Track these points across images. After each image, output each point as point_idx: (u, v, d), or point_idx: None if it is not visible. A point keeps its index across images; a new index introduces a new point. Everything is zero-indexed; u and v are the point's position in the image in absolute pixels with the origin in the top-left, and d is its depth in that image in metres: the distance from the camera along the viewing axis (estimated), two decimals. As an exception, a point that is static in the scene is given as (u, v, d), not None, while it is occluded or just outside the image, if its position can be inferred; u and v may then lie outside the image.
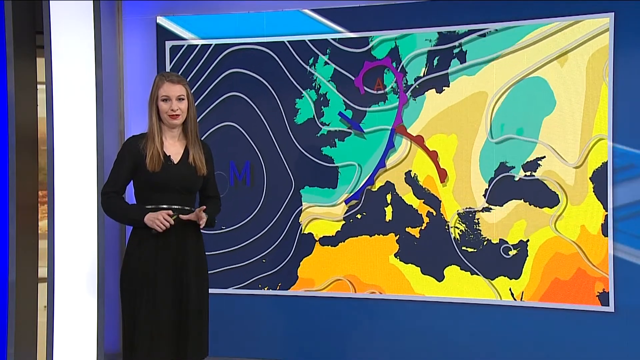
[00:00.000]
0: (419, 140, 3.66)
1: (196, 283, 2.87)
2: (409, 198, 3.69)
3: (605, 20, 3.34)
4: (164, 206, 2.83)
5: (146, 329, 2.77)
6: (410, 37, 3.67)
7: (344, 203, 3.77)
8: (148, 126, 2.89)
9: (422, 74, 3.66)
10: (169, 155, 2.86)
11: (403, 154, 3.69)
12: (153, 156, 2.81)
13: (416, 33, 3.66)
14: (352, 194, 3.76)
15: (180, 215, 2.82)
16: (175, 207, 2.84)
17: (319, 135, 3.81)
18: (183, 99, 2.86)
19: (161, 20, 3.96)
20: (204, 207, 2.85)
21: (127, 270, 2.86)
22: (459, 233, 3.62)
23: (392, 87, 3.70)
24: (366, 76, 3.72)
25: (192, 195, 2.92)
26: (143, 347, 2.77)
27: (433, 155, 3.63)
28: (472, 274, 3.60)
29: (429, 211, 3.67)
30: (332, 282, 3.80)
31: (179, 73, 3.91)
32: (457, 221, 3.62)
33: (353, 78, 3.75)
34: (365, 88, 3.72)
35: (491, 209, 3.57)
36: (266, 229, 3.87)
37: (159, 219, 2.77)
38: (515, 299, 3.53)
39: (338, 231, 3.79)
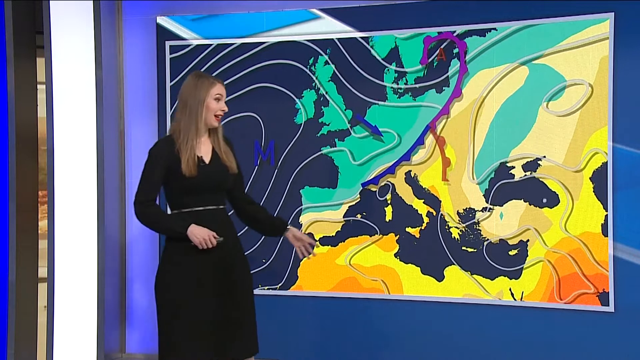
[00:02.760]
0: (440, 143, 3.64)
1: (242, 282, 2.87)
2: (409, 198, 3.69)
3: (607, 23, 3.34)
4: (199, 208, 2.80)
5: (188, 329, 2.76)
6: (410, 37, 3.67)
7: (360, 186, 3.74)
8: (186, 128, 2.78)
9: (422, 74, 3.67)
10: (201, 156, 2.82)
11: (426, 155, 3.67)
12: (189, 159, 2.75)
13: (416, 33, 3.66)
14: (371, 178, 3.74)
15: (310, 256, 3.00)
16: (210, 207, 2.81)
17: (319, 135, 3.82)
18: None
19: (161, 20, 3.96)
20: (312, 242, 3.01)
21: (171, 274, 2.82)
22: (459, 233, 3.62)
23: (392, 86, 3.70)
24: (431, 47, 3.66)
25: (223, 193, 2.89)
26: (184, 348, 2.75)
27: (446, 162, 3.62)
28: (472, 274, 3.60)
29: (429, 211, 3.67)
30: (332, 282, 3.80)
31: (180, 73, 3.92)
32: (457, 221, 3.62)
33: (354, 75, 3.75)
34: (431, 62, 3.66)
35: (491, 209, 3.57)
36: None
37: (205, 239, 2.74)
38: (515, 299, 3.53)
39: (338, 231, 3.79)
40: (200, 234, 2.75)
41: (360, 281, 3.76)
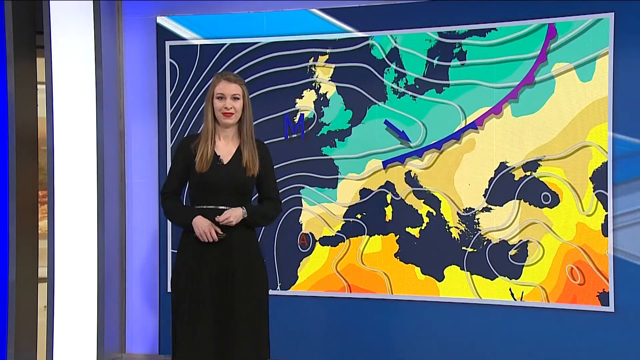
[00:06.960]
0: (470, 144, 3.61)
1: (245, 284, 2.83)
2: (409, 198, 3.69)
3: (606, 23, 3.34)
4: (211, 207, 2.81)
5: (187, 327, 2.77)
6: (410, 37, 3.67)
7: (379, 165, 3.73)
8: (203, 126, 2.88)
9: (422, 74, 3.67)
10: (219, 156, 2.84)
11: (452, 156, 3.63)
12: (202, 156, 2.80)
13: (416, 33, 3.66)
14: (391, 158, 3.72)
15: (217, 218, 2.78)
16: (222, 207, 2.80)
17: (319, 135, 3.82)
18: (238, 99, 2.85)
19: (161, 20, 3.96)
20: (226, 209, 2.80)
21: (177, 267, 2.88)
22: (459, 233, 3.62)
23: (392, 86, 3.70)
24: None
25: (244, 197, 2.86)
26: (184, 347, 2.77)
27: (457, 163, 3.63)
28: (472, 274, 3.60)
29: (429, 211, 3.67)
30: (332, 282, 3.80)
31: (179, 73, 3.92)
32: (457, 221, 3.62)
33: (354, 75, 3.75)
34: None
35: (491, 209, 3.57)
36: (266, 229, 3.86)
37: (205, 232, 2.76)
38: (515, 299, 3.53)
39: (338, 231, 3.79)
40: (201, 225, 2.77)
41: (360, 281, 3.76)
